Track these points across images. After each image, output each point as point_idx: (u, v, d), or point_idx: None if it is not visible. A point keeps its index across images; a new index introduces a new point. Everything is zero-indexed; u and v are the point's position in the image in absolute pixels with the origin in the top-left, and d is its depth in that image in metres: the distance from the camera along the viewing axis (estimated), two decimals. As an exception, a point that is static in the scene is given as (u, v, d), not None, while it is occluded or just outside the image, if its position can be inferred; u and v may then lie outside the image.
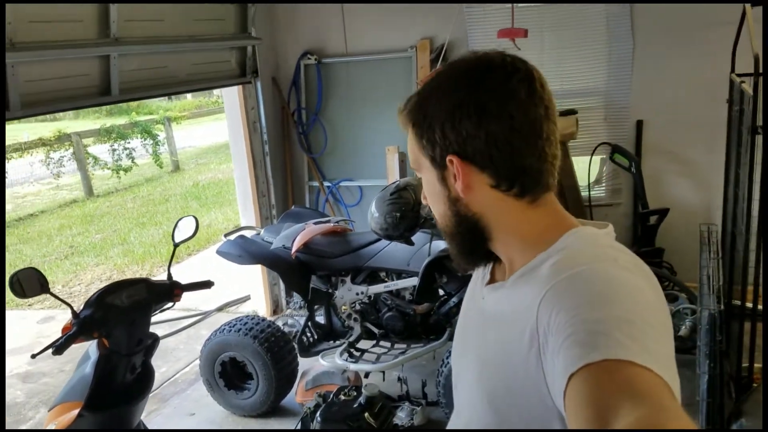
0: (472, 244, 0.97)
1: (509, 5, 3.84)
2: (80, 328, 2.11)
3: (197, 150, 15.39)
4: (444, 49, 4.35)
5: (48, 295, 2.13)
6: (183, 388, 3.92)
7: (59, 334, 2.15)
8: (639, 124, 4.14)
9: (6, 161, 8.73)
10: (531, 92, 0.88)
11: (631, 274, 0.83)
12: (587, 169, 4.23)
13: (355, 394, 2.05)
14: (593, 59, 4.14)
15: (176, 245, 2.54)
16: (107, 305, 2.19)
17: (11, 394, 4.15)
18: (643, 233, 4.03)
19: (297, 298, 4.75)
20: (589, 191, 4.28)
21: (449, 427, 1.11)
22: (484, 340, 0.97)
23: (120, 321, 2.22)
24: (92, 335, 2.17)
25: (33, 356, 2.08)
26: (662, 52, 4.02)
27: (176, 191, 11.22)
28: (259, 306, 4.86)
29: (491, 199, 0.92)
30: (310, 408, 2.05)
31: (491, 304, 0.98)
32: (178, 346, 4.58)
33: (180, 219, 2.57)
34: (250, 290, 5.03)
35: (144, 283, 2.37)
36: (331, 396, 2.05)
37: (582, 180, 4.27)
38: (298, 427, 2.04)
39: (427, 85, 0.95)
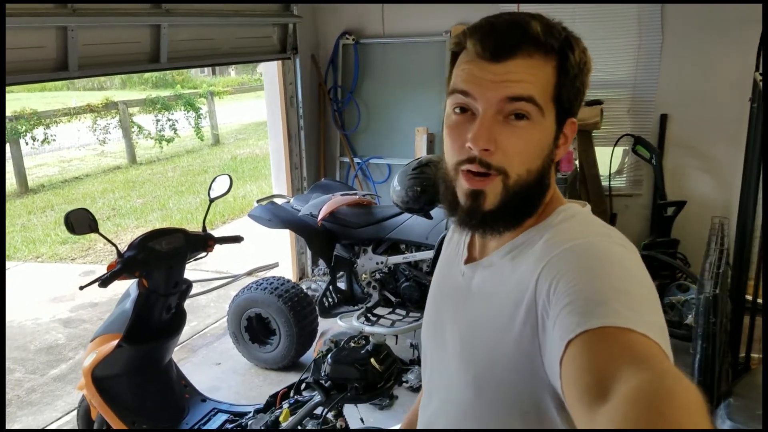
0: (528, 209, 0.91)
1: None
2: (124, 266, 2.36)
3: (237, 125, 15.75)
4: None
5: (87, 252, 2.38)
6: (211, 341, 4.20)
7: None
8: (663, 118, 4.23)
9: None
10: None
11: (624, 248, 0.85)
12: (609, 159, 4.33)
13: (363, 342, 2.25)
14: (622, 52, 4.23)
15: (212, 200, 2.77)
16: (149, 249, 2.44)
17: (53, 336, 4.49)
18: (660, 224, 4.13)
19: (322, 266, 4.99)
20: (610, 181, 4.39)
21: (422, 408, 1.09)
22: (467, 318, 0.95)
23: (159, 264, 2.47)
24: (134, 274, 2.42)
25: (81, 288, 2.33)
26: (691, 47, 4.09)
27: (215, 164, 11.58)
28: (287, 272, 5.10)
29: (552, 167, 0.93)
30: (322, 351, 2.26)
31: (477, 282, 0.96)
32: (209, 304, 4.86)
33: (216, 177, 2.80)
34: (278, 257, 5.28)
35: (182, 232, 2.61)
36: (342, 342, 2.26)
37: (604, 170, 4.38)
38: (311, 366, 2.25)
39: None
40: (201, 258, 2.71)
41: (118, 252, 2.40)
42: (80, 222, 2.34)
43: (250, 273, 5.44)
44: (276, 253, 5.30)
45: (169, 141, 12.30)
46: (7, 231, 7.62)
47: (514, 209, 0.89)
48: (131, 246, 2.44)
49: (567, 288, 0.77)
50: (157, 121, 12.32)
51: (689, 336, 3.88)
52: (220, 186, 2.77)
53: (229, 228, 7.20)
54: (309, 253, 5.09)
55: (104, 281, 2.30)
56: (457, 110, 0.87)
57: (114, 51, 3.41)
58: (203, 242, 2.67)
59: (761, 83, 3.14)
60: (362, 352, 2.18)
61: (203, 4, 3.85)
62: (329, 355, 2.20)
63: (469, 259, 1.01)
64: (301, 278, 5.12)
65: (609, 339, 0.69)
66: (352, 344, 2.24)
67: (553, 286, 0.79)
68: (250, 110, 16.82)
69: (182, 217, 7.93)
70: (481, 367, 0.90)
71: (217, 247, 2.74)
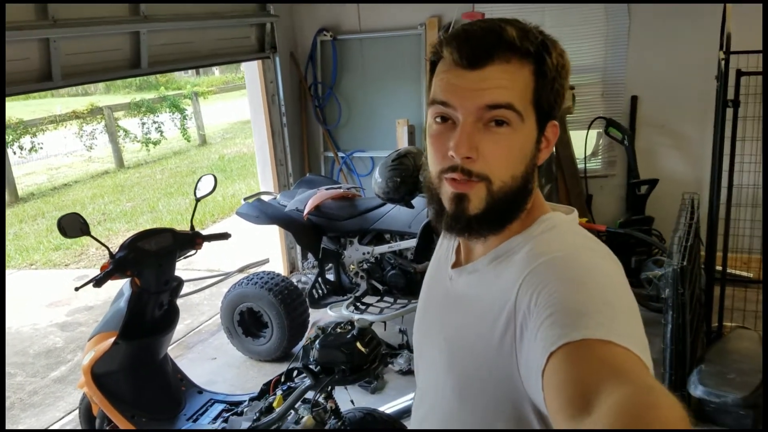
0: (512, 214, 0.91)
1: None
2: (116, 266, 2.47)
3: (224, 125, 15.78)
4: (452, 26, 4.60)
5: (80, 257, 2.49)
6: (205, 337, 4.32)
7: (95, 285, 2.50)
8: (633, 100, 4.36)
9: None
10: None
11: (604, 260, 0.85)
12: (584, 142, 4.46)
13: (349, 327, 2.37)
14: (591, 37, 4.36)
15: (198, 200, 2.88)
16: (139, 249, 2.55)
17: (51, 340, 4.59)
18: (634, 202, 4.27)
19: (311, 258, 5.11)
20: (585, 163, 4.52)
21: (414, 408, 1.12)
22: (453, 323, 0.95)
23: (150, 263, 2.58)
24: (126, 274, 2.53)
25: (76, 289, 2.45)
26: (657, 30, 4.21)
27: (203, 164, 11.64)
28: (277, 268, 5.20)
29: (535, 171, 0.93)
30: (310, 338, 2.38)
31: (462, 287, 0.97)
32: (202, 302, 4.97)
33: (201, 177, 2.91)
34: (269, 254, 5.39)
35: (170, 232, 2.72)
36: (329, 328, 2.38)
37: (579, 153, 4.51)
38: (301, 353, 2.38)
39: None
40: (190, 255, 2.82)
41: (110, 253, 2.51)
42: (72, 226, 2.44)
43: (241, 270, 5.55)
44: (266, 249, 5.41)
45: (155, 144, 12.33)
46: None
47: (499, 214, 0.89)
48: (122, 247, 2.55)
49: (547, 300, 0.77)
50: (143, 124, 12.35)
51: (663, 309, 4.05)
52: (206, 185, 2.88)
53: (219, 227, 7.29)
54: (298, 247, 5.20)
55: (98, 281, 2.41)
56: (438, 119, 0.88)
57: (96, 59, 3.50)
58: (191, 240, 2.78)
59: (723, 62, 3.27)
60: (348, 336, 2.31)
61: (181, 5, 3.93)
62: (317, 341, 2.32)
63: (456, 264, 1.01)
64: (291, 272, 5.23)
65: (591, 351, 0.69)
66: (339, 330, 2.37)
67: (534, 297, 0.79)
68: (235, 109, 16.82)
69: (172, 218, 8.02)
70: (464, 374, 0.91)
71: (207, 245, 2.85)
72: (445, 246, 1.08)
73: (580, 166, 4.50)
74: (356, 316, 3.68)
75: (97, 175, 11.26)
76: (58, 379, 3.97)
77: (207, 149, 13.25)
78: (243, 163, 11.25)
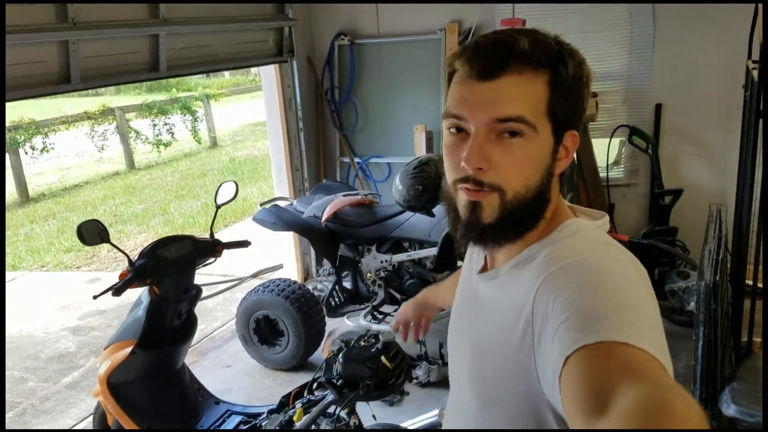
0: (527, 223, 0.91)
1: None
2: (135, 274, 2.41)
3: (234, 127, 15.77)
4: (472, 32, 4.53)
5: (92, 259, 2.43)
6: (220, 344, 4.26)
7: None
8: (658, 108, 4.28)
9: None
10: None
11: (623, 265, 0.85)
12: (606, 150, 4.39)
13: (373, 340, 2.30)
14: (615, 43, 4.28)
15: (218, 207, 2.82)
16: (158, 256, 2.49)
17: (63, 345, 4.55)
18: (658, 212, 4.19)
19: (326, 265, 5.04)
20: (608, 172, 4.44)
21: (447, 410, 1.14)
22: (476, 328, 0.98)
23: (169, 271, 2.52)
24: (145, 282, 2.47)
25: (94, 297, 2.38)
26: (682, 36, 4.13)
27: (214, 166, 11.62)
28: (291, 274, 5.15)
29: (557, 180, 0.93)
30: (333, 351, 2.31)
31: (484, 292, 0.99)
32: (216, 307, 4.92)
33: (221, 183, 2.85)
34: (282, 259, 5.33)
35: (190, 239, 2.66)
36: (353, 341, 2.31)
37: (601, 161, 4.43)
38: (323, 366, 2.31)
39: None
40: (210, 263, 2.76)
41: (130, 261, 2.45)
42: (91, 233, 2.39)
43: (255, 275, 5.50)
44: (280, 255, 5.35)
45: (166, 145, 12.33)
46: (10, 241, 7.66)
47: (513, 223, 0.89)
48: (141, 254, 2.49)
49: (564, 304, 0.77)
50: (154, 125, 12.34)
51: (691, 322, 3.93)
52: (227, 192, 2.82)
53: (232, 230, 7.25)
54: (313, 253, 5.14)
55: (117, 290, 2.35)
56: (453, 130, 0.89)
57: (115, 62, 3.46)
58: (211, 248, 2.72)
59: (754, 71, 3.19)
60: (372, 350, 2.24)
61: (200, 7, 3.88)
62: (340, 355, 2.25)
63: (483, 269, 1.02)
64: (305, 279, 5.17)
65: (607, 353, 0.69)
66: (362, 343, 2.30)
67: (550, 302, 0.80)
68: (246, 111, 16.84)
69: (184, 221, 7.97)
70: (486, 379, 0.92)
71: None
72: (477, 251, 1.07)
73: (602, 174, 4.42)
74: (374, 326, 3.62)
75: (108, 176, 11.26)
76: (71, 385, 3.92)
77: (217, 151, 13.23)
78: (254, 166, 11.22)
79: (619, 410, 0.61)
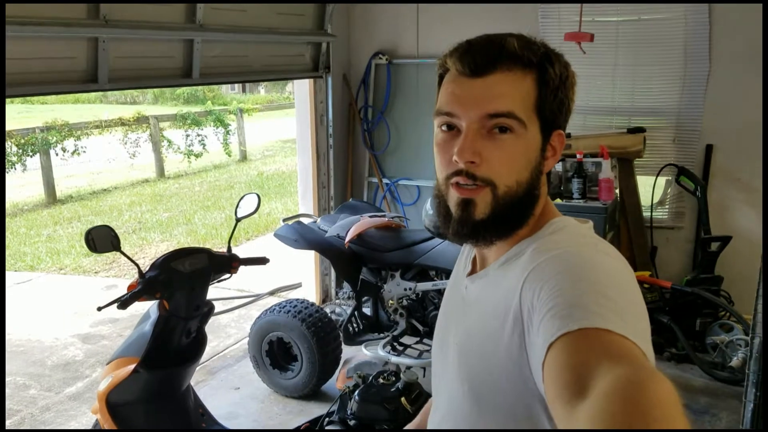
0: (519, 219, 0.92)
1: (586, 17, 3.82)
2: (145, 287, 2.25)
3: (265, 142, 15.81)
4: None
5: (111, 265, 2.28)
6: (230, 363, 4.08)
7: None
8: (708, 148, 4.04)
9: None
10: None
11: (610, 258, 0.85)
12: (651, 189, 4.16)
13: (393, 378, 2.11)
14: (667, 79, 4.06)
15: (238, 220, 2.66)
16: (171, 269, 2.33)
17: (71, 352, 4.41)
18: (703, 259, 3.93)
19: (346, 288, 4.85)
20: (651, 212, 4.20)
21: (428, 423, 1.10)
22: (465, 329, 0.96)
23: (181, 285, 2.35)
24: (155, 295, 2.31)
25: (99, 309, 2.23)
26: (739, 76, 3.91)
27: (241, 179, 11.58)
28: (309, 294, 4.98)
29: (544, 179, 0.95)
30: (349, 387, 2.12)
31: (473, 293, 0.98)
32: (230, 324, 4.75)
33: (243, 195, 2.70)
34: (301, 278, 5.16)
35: (206, 252, 2.49)
36: (371, 378, 2.12)
37: (645, 200, 4.20)
38: (337, 403, 2.11)
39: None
40: (224, 280, 2.59)
41: (140, 272, 2.30)
42: (102, 239, 2.24)
43: (272, 293, 5.33)
44: (299, 273, 5.18)
45: (197, 156, 12.36)
46: (32, 241, 7.64)
47: (505, 219, 0.90)
48: (153, 266, 2.33)
49: (549, 294, 0.78)
50: (187, 136, 12.40)
51: (734, 379, 3.67)
52: (248, 205, 2.67)
53: (253, 245, 7.11)
54: (333, 274, 4.97)
55: (123, 303, 2.19)
56: (444, 128, 0.91)
57: (145, 65, 3.36)
58: (227, 263, 2.55)
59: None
60: (392, 390, 2.04)
61: (239, 17, 3.78)
62: (356, 392, 2.06)
63: (471, 272, 1.02)
64: (324, 300, 4.99)
65: (588, 339, 0.70)
66: (382, 381, 2.10)
67: (536, 293, 0.80)
68: (277, 128, 16.89)
69: (207, 232, 7.87)
70: (476, 378, 0.91)
71: (242, 267, 2.63)
72: (464, 258, 1.09)
73: (646, 214, 4.18)
74: (393, 358, 3.42)
75: (137, 182, 11.28)
76: (74, 396, 3.77)
77: (246, 165, 13.23)
78: (281, 181, 11.15)
79: (597, 393, 0.62)
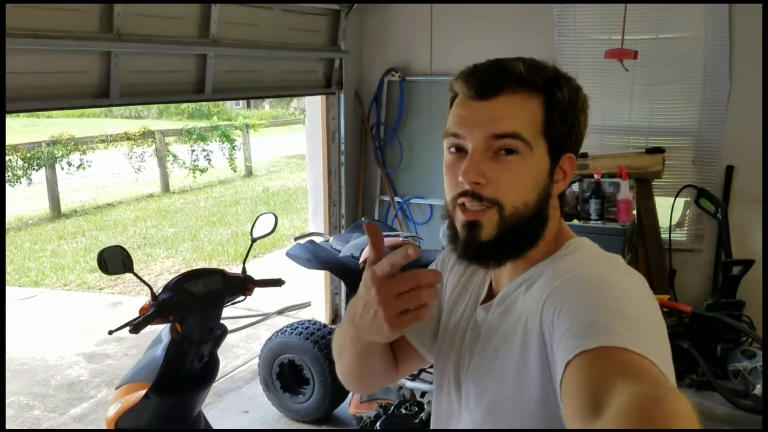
0: (526, 241, 0.92)
1: (603, 35, 3.77)
2: (158, 310, 2.17)
3: (270, 158, 15.78)
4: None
5: (116, 282, 2.20)
6: (239, 385, 3.98)
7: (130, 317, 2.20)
8: (729, 170, 3.96)
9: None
10: None
11: (628, 277, 0.86)
12: (670, 210, 4.07)
13: (416, 409, 2.02)
14: (686, 99, 3.99)
15: (254, 240, 2.58)
16: (184, 291, 2.25)
17: (76, 372, 4.31)
18: (724, 283, 3.83)
19: (357, 310, 4.76)
20: (670, 234, 4.11)
21: None
22: (485, 358, 0.93)
23: (195, 308, 2.27)
24: (168, 318, 2.23)
25: (110, 332, 2.14)
26: (760, 96, 3.84)
27: (247, 195, 11.51)
28: (319, 313, 4.89)
29: (556, 202, 0.95)
30: (370, 417, 2.03)
31: (491, 318, 0.95)
32: (238, 344, 4.65)
33: (260, 215, 2.62)
34: (310, 297, 5.07)
35: (220, 274, 2.41)
36: (392, 408, 2.02)
37: (663, 221, 4.12)
38: (357, 434, 2.02)
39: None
40: (239, 302, 2.51)
41: (153, 294, 2.21)
42: (114, 261, 2.16)
43: (281, 312, 5.24)
44: (308, 292, 5.09)
45: (202, 171, 12.31)
46: (36, 255, 7.56)
47: (511, 241, 0.90)
48: (166, 288, 2.25)
49: (568, 314, 0.78)
50: (192, 151, 12.36)
51: (754, 408, 3.56)
52: (264, 225, 2.58)
53: (261, 262, 7.02)
54: (343, 293, 4.87)
55: (136, 326, 2.11)
56: (452, 149, 0.91)
57: (157, 80, 3.30)
58: (242, 285, 2.47)
59: None
60: (416, 421, 1.95)
61: (252, 33, 3.73)
62: (378, 423, 1.97)
63: (485, 300, 1.00)
64: (333, 320, 4.89)
65: (604, 357, 0.70)
66: (404, 411, 2.02)
67: (556, 314, 0.79)
68: (283, 143, 16.87)
69: (213, 248, 7.79)
70: (496, 401, 0.90)
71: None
72: (472, 283, 1.06)
73: (664, 236, 4.09)
74: (408, 383, 3.31)
75: (142, 197, 11.22)
76: (78, 418, 3.67)
77: (252, 181, 13.17)
78: (287, 197, 11.09)
79: (613, 410, 0.62)
